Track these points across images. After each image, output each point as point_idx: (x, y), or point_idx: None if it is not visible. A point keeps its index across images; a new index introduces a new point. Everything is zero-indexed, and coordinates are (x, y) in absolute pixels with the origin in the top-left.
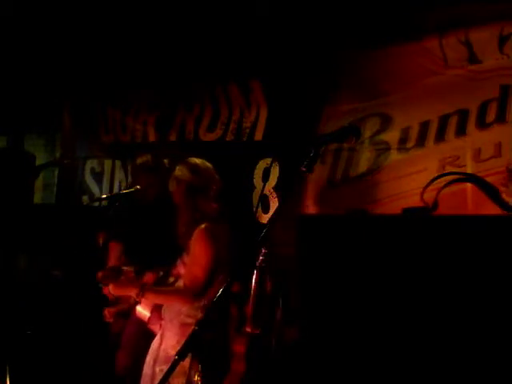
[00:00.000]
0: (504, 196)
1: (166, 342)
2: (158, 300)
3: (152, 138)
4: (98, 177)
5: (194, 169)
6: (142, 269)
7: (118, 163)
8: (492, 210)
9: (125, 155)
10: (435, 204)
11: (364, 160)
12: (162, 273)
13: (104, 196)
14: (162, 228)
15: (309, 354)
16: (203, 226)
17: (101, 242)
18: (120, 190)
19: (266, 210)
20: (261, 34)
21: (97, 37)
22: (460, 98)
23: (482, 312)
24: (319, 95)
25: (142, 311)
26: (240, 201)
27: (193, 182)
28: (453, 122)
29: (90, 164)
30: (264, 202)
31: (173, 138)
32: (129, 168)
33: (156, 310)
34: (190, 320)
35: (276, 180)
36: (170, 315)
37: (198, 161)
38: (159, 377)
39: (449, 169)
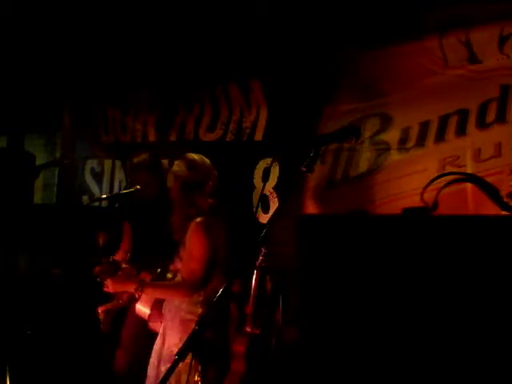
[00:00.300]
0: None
1: (169, 341)
2: (157, 294)
3: (152, 137)
4: (97, 177)
5: (192, 164)
6: (140, 267)
7: (117, 163)
8: (492, 210)
9: (125, 155)
10: (435, 204)
11: (364, 160)
12: (159, 269)
13: (104, 196)
14: (161, 226)
15: (309, 354)
16: (198, 219)
17: (101, 242)
18: (120, 189)
19: (265, 210)
20: (261, 34)
21: (97, 37)
22: (460, 98)
23: (483, 312)
24: (319, 95)
25: (142, 308)
26: (240, 201)
27: (189, 177)
28: (453, 122)
29: (90, 164)
30: (264, 202)
31: (173, 138)
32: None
33: (156, 307)
34: (190, 316)
35: (276, 180)
36: (170, 313)
37: (196, 156)
38: None
39: (449, 169)
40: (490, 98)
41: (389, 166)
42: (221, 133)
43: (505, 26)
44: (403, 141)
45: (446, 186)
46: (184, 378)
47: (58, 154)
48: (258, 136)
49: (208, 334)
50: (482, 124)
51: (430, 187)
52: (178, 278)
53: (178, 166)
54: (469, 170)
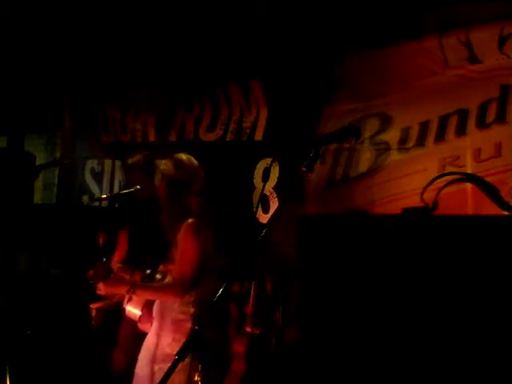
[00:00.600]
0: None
1: (162, 341)
2: (149, 296)
3: (152, 137)
4: (97, 177)
5: (179, 164)
6: (135, 266)
7: (117, 163)
8: (492, 210)
9: (125, 155)
10: (435, 204)
11: (364, 160)
12: (149, 271)
13: (104, 196)
14: (155, 226)
15: (309, 354)
16: (190, 220)
17: (101, 242)
18: (120, 189)
19: (265, 210)
20: (261, 34)
21: (97, 37)
22: (460, 98)
23: (483, 312)
24: (319, 95)
25: (132, 310)
26: (240, 201)
27: (175, 176)
28: (453, 122)
29: (90, 164)
30: (264, 202)
31: (173, 138)
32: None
33: (146, 308)
34: (182, 316)
35: (276, 180)
36: (162, 313)
37: (183, 156)
38: (159, 376)
39: (449, 169)
40: (489, 98)
41: (389, 166)
42: (221, 133)
43: (505, 26)
44: (403, 141)
45: (446, 186)
46: (184, 378)
47: (57, 154)
48: (258, 136)
49: (208, 333)
50: (482, 124)
51: (430, 187)
52: (169, 278)
53: (165, 165)
54: (469, 170)
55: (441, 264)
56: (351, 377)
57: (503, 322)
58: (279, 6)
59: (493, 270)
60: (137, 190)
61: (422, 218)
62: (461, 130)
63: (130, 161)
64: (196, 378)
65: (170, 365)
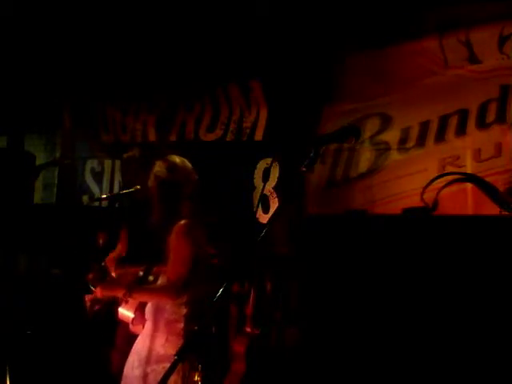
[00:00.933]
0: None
1: (155, 342)
2: (145, 298)
3: (152, 137)
4: (97, 177)
5: (171, 166)
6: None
7: (117, 163)
8: (492, 210)
9: None
10: (435, 204)
11: (364, 160)
12: (141, 272)
13: (104, 196)
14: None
15: (309, 354)
16: (182, 222)
17: (101, 242)
18: (120, 189)
19: (266, 210)
20: (261, 34)
21: (97, 37)
22: (460, 98)
23: (482, 311)
24: (319, 95)
25: (125, 312)
26: (240, 201)
27: (167, 178)
28: (453, 122)
29: (90, 164)
30: (264, 202)
31: (173, 138)
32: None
33: (139, 310)
34: (174, 317)
35: (276, 180)
36: (154, 315)
37: (177, 159)
38: (152, 377)
39: (449, 169)
40: (489, 98)
41: (389, 166)
42: (221, 133)
43: (505, 26)
44: (403, 141)
45: (445, 186)
46: (179, 378)
47: (57, 154)
48: (258, 136)
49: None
50: (482, 124)
51: (430, 187)
52: (162, 280)
53: (158, 167)
54: (469, 170)
55: (441, 263)
56: (351, 376)
57: (503, 321)
58: (279, 6)
59: (493, 269)
60: (137, 190)
61: (422, 217)
62: (461, 130)
63: (125, 155)
64: (196, 377)
65: (163, 366)
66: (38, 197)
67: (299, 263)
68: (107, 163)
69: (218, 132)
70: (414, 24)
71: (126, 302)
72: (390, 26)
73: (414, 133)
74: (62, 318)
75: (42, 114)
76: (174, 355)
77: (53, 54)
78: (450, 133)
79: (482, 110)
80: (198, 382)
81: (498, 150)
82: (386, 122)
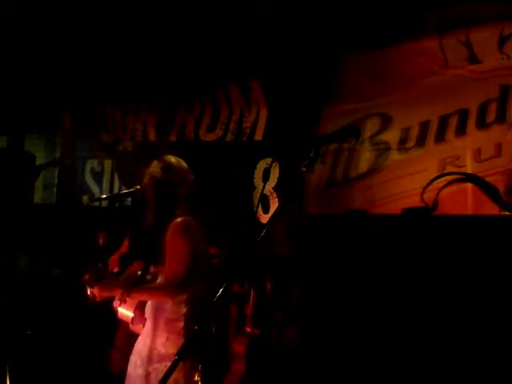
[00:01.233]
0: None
1: (156, 341)
2: (143, 298)
3: (152, 137)
4: (97, 177)
5: (167, 167)
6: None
7: None
8: (492, 210)
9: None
10: (435, 204)
11: (364, 160)
12: (139, 272)
13: (104, 196)
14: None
15: (309, 354)
16: (178, 220)
17: (101, 242)
18: (120, 189)
19: (266, 210)
20: (261, 34)
21: (97, 37)
22: (460, 98)
23: (482, 311)
24: (319, 95)
25: (125, 312)
26: (240, 201)
27: (162, 178)
28: (453, 122)
29: (90, 164)
30: (264, 202)
31: (173, 138)
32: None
33: (138, 309)
34: (174, 316)
35: (276, 180)
36: (154, 314)
37: (173, 159)
38: (154, 376)
39: (449, 169)
40: (489, 98)
41: (389, 166)
42: (221, 133)
43: (505, 26)
44: (403, 141)
45: (445, 186)
46: (180, 376)
47: (57, 154)
48: (258, 136)
49: (208, 334)
50: (482, 124)
51: (430, 187)
52: (160, 279)
53: (154, 167)
54: (469, 170)
55: (441, 263)
56: (351, 376)
57: (503, 320)
58: (279, 6)
59: (493, 269)
60: (137, 190)
61: (422, 217)
62: (461, 130)
63: (118, 148)
64: (196, 377)
65: (165, 364)
66: (38, 197)
67: (299, 263)
68: (107, 163)
69: (218, 132)
70: (414, 24)
71: (125, 301)
72: (389, 26)
73: (414, 133)
74: (62, 318)
75: (42, 114)
76: (175, 355)
77: (53, 54)
78: (450, 133)
79: (482, 109)
80: (198, 381)
81: (498, 149)
82: (386, 122)
